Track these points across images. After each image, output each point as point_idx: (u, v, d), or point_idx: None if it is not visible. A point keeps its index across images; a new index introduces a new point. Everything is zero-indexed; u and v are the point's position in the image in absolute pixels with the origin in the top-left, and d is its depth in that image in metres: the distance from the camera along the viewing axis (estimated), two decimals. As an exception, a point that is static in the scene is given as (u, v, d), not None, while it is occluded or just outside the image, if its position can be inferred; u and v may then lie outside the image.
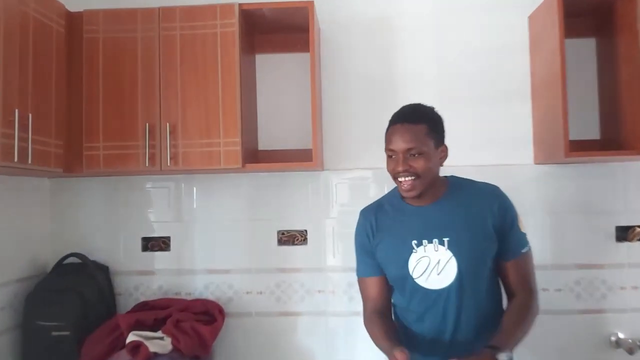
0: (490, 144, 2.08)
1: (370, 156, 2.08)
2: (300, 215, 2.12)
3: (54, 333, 1.84)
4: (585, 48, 2.06)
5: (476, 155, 2.06)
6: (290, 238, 2.13)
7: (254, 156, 2.06)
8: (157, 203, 2.16)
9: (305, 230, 2.12)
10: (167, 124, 1.82)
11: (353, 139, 2.12)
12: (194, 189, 2.15)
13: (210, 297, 2.09)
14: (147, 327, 1.86)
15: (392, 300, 1.60)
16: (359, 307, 2.04)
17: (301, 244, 2.12)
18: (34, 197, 2.07)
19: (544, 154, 1.97)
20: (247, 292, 2.11)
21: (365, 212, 1.62)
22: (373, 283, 1.58)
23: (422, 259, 1.48)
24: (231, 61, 1.84)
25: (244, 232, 2.13)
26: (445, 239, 1.47)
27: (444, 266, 1.46)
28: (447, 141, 2.07)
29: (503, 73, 2.08)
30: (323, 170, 2.11)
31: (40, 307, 1.87)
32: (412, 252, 1.48)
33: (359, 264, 1.62)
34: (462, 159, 2.01)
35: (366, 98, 2.13)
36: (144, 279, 2.14)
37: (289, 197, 2.13)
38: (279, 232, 2.12)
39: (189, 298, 2.08)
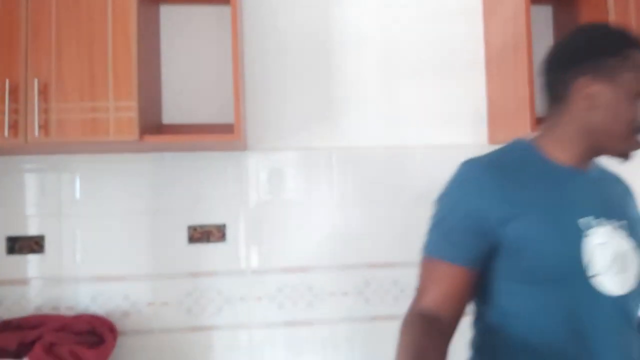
0: (439, 121, 1.81)
1: (303, 133, 1.76)
2: (217, 207, 1.72)
3: None
4: (541, 17, 1.84)
5: (423, 133, 1.80)
6: (205, 234, 1.72)
7: (157, 131, 1.64)
8: (27, 192, 1.66)
9: (224, 225, 1.72)
10: (36, 81, 1.36)
11: (282, 112, 1.76)
12: (77, 173, 1.68)
13: (100, 312, 1.63)
14: (10, 354, 1.40)
15: (491, 321, 1.00)
16: (291, 315, 1.72)
17: (218, 242, 1.72)
18: None
19: (502, 132, 1.72)
20: (149, 304, 1.67)
21: (485, 166, 1.00)
22: (453, 274, 0.95)
23: (604, 246, 0.93)
24: (126, 7, 1.42)
25: (143, 228, 1.69)
26: (623, 222, 0.98)
27: (629, 260, 0.95)
28: (390, 117, 1.83)
29: (454, 39, 1.82)
30: (245, 149, 1.73)
31: None
32: (583, 234, 0.94)
33: (439, 239, 0.99)
34: (406, 138, 1.78)
35: (298, 63, 1.78)
36: (10, 290, 1.63)
37: (203, 184, 1.72)
38: (189, 227, 1.71)
39: (70, 314, 1.61)
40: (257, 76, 1.75)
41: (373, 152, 1.78)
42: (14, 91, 1.36)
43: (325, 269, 1.75)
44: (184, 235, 1.70)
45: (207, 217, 1.72)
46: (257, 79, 1.75)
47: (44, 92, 1.37)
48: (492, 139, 1.80)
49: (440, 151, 1.78)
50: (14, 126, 1.36)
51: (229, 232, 1.72)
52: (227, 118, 1.67)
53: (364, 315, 1.75)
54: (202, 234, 1.72)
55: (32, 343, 1.41)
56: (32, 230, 1.66)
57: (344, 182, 1.77)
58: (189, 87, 1.73)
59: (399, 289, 1.76)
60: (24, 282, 1.65)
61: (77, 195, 1.68)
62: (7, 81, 1.36)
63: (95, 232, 1.67)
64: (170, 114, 1.72)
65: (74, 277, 1.66)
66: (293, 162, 1.76)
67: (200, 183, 1.72)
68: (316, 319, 1.73)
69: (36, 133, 1.36)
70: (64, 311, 1.63)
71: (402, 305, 1.71)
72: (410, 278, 1.74)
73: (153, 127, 1.58)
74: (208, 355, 1.68)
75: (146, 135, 1.44)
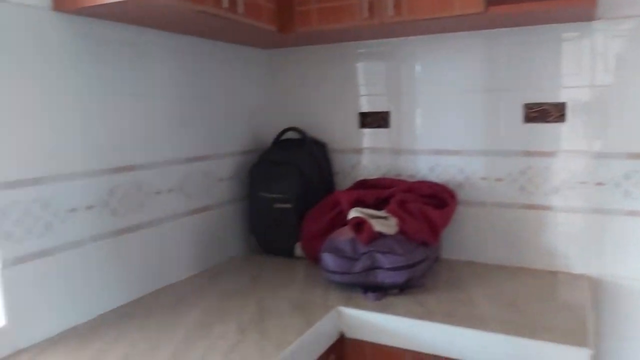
0: None
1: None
2: (555, 84, 1.61)
3: (277, 205, 1.80)
4: None
5: None
6: (541, 113, 1.65)
7: (495, 3, 1.59)
8: (373, 74, 1.88)
9: (563, 104, 1.62)
10: (389, -37, 1.47)
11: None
12: (415, 55, 1.79)
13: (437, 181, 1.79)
14: (368, 206, 1.64)
15: None
16: (638, 205, 1.56)
17: (556, 122, 1.63)
18: (251, 69, 1.98)
19: None
20: (482, 178, 1.74)
21: None
22: None
23: None
24: None
25: (478, 106, 1.72)
26: None
27: None
28: None
29: None
30: (593, 19, 1.54)
31: (263, 180, 1.84)
32: None
33: None
34: None
35: None
36: (362, 157, 1.93)
37: (540, 60, 1.62)
38: (525, 105, 1.66)
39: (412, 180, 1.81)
40: None
41: None
42: (371, -25, 1.50)
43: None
44: (519, 113, 1.67)
45: (544, 95, 1.64)
46: None
47: (396, -28, 1.47)
48: None
49: None
50: (370, 8, 1.52)
51: (569, 111, 1.61)
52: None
53: None
54: (538, 113, 1.65)
55: (386, 199, 1.65)
56: (378, 107, 1.88)
57: None
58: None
59: None
60: (372, 151, 1.91)
61: (416, 74, 1.80)
62: (365, -34, 1.50)
63: (432, 109, 1.79)
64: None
65: (414, 149, 1.83)
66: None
67: (537, 59, 1.63)
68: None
69: (390, 12, 1.48)
70: (406, 178, 1.85)
71: None
72: None
73: None
74: (538, 233, 1.68)
75: (490, 6, 1.41)
